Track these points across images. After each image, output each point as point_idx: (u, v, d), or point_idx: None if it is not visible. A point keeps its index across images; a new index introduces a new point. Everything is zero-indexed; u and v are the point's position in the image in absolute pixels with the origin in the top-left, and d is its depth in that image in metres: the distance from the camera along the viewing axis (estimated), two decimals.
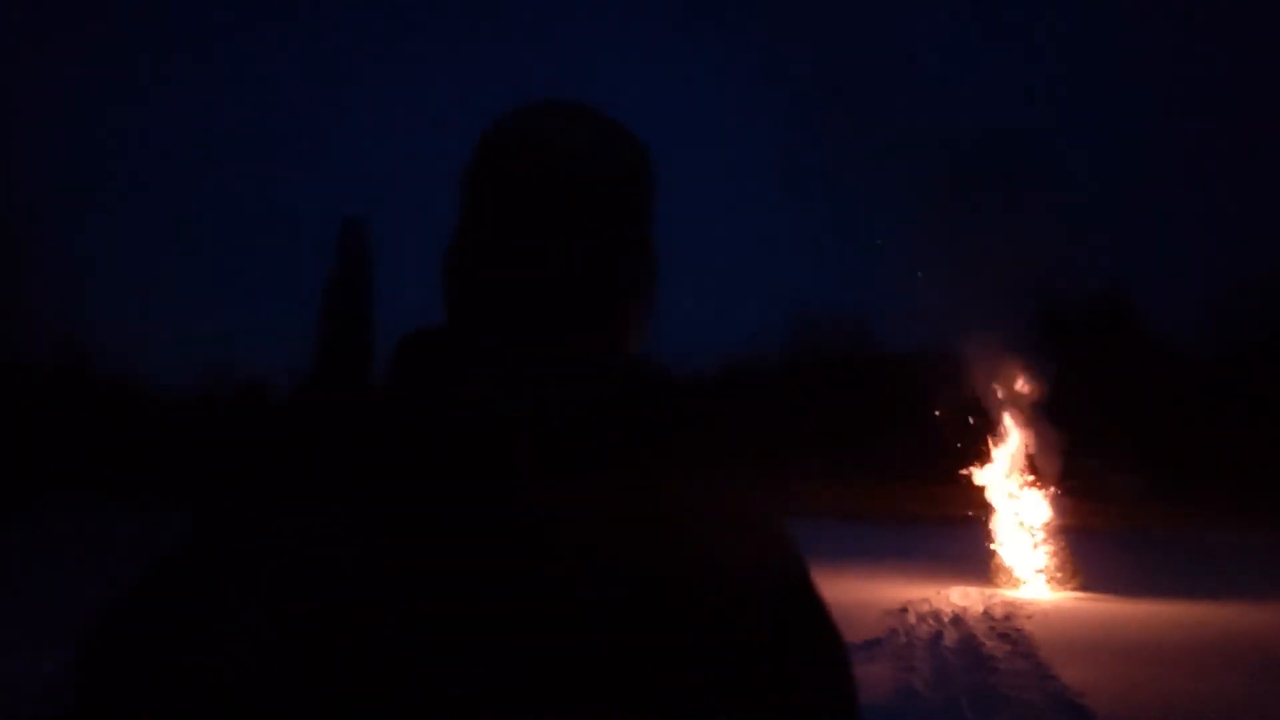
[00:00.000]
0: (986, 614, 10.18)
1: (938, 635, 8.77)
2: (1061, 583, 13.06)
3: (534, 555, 0.86)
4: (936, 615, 9.89)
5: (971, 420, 15.35)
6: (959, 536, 15.46)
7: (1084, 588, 12.73)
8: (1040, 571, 13.29)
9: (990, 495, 14.66)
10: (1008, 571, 13.36)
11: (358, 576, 0.83)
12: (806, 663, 0.93)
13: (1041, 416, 14.78)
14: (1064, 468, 14.71)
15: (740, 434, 1.01)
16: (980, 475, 14.95)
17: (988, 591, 12.24)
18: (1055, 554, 13.51)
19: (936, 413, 16.79)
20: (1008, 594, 12.25)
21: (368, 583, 0.83)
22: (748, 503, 0.96)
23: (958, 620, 9.67)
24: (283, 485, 0.85)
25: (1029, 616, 10.08)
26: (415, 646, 0.83)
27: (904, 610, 9.91)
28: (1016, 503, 14.37)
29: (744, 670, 0.88)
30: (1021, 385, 14.74)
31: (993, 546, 13.91)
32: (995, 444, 14.93)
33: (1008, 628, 9.21)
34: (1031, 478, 14.58)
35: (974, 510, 14.99)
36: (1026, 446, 14.68)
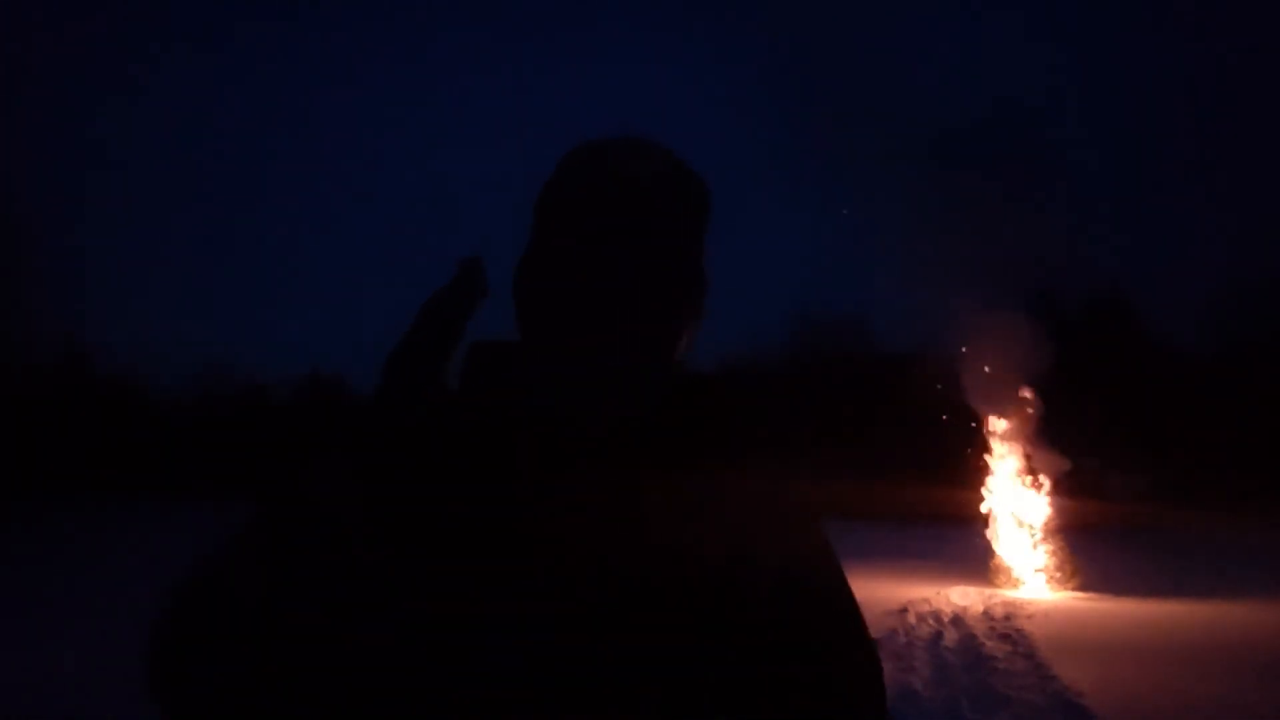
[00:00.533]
0: (986, 614, 10.18)
1: (938, 635, 8.77)
2: (1061, 583, 13.06)
3: (556, 555, 0.88)
4: (936, 615, 9.89)
5: (971, 420, 15.34)
6: (959, 536, 15.46)
7: (1084, 588, 12.72)
8: (1040, 571, 13.29)
9: (990, 495, 14.66)
10: (1008, 571, 13.35)
11: (367, 576, 0.85)
12: (837, 663, 0.93)
13: (1041, 416, 14.78)
14: (1064, 467, 14.70)
15: (779, 434, 1.03)
16: (980, 475, 14.95)
17: (988, 591, 12.24)
18: (1055, 554, 13.50)
19: (937, 413, 16.78)
20: (1008, 594, 12.25)
21: (376, 583, 0.86)
22: (785, 502, 0.98)
23: (958, 620, 9.67)
24: (327, 481, 0.91)
25: (1029, 616, 10.08)
26: (419, 646, 0.85)
27: (904, 610, 9.91)
28: (1016, 502, 14.36)
29: (769, 670, 0.89)
30: (1021, 385, 14.73)
31: (993, 546, 13.91)
32: (995, 444, 14.92)
33: (1008, 628, 9.21)
34: (1031, 477, 14.57)
35: (974, 510, 14.99)
36: (1026, 446, 14.67)
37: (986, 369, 14.78)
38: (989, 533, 14.16)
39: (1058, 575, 13.20)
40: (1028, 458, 14.62)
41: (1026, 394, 14.69)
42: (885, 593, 11.20)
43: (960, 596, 11.46)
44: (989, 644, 8.35)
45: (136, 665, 0.88)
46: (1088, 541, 14.55)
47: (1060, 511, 14.29)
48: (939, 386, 15.85)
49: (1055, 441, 14.67)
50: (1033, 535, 13.81)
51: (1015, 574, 13.26)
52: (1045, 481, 14.47)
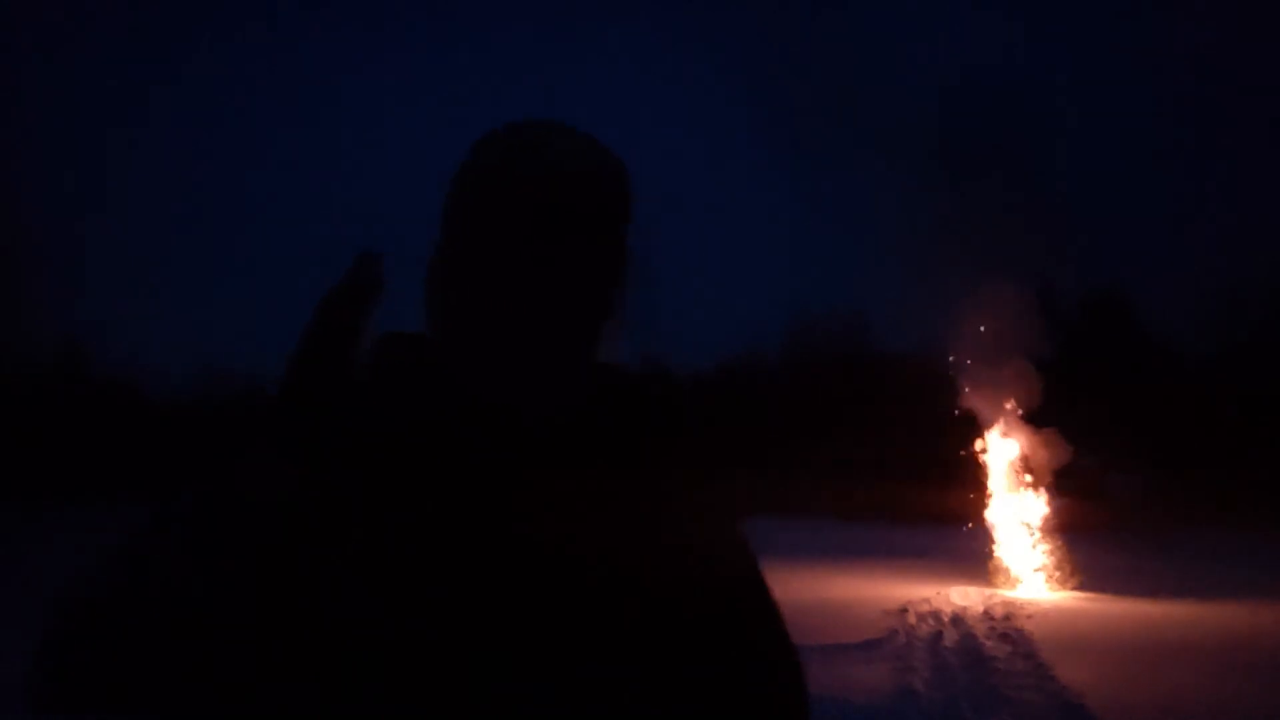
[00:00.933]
0: (986, 614, 10.17)
1: (938, 635, 8.76)
2: (1061, 583, 13.05)
3: (501, 551, 0.87)
4: (936, 615, 9.88)
5: (971, 420, 15.32)
6: (959, 536, 15.45)
7: (1084, 588, 12.71)
8: (1040, 571, 13.28)
9: (990, 495, 14.65)
10: (1007, 571, 13.35)
11: (322, 572, 0.84)
12: (754, 659, 0.94)
13: (1041, 416, 14.77)
14: (1064, 468, 14.69)
15: (711, 433, 1.03)
16: (980, 474, 14.94)
17: (988, 591, 12.23)
18: (1055, 554, 13.49)
19: (936, 411, 16.77)
20: (1008, 594, 12.24)
21: (332, 578, 0.84)
22: (704, 500, 0.98)
23: (958, 620, 9.66)
24: (259, 475, 0.87)
25: (1029, 616, 10.07)
26: (383, 646, 0.84)
27: (904, 610, 9.91)
28: (1016, 503, 14.35)
29: (685, 667, 0.89)
30: (1021, 384, 14.72)
31: (992, 546, 13.90)
32: (995, 443, 14.91)
33: (1008, 628, 9.21)
34: (1030, 478, 14.56)
35: (973, 510, 14.98)
36: (1025, 446, 14.66)
37: (985, 368, 14.77)
38: (989, 533, 14.16)
39: (1058, 575, 13.19)
40: (1026, 457, 14.61)
41: (1026, 390, 14.68)
42: (885, 593, 11.21)
43: (960, 596, 11.45)
44: (989, 644, 8.34)
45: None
46: (1088, 541, 14.54)
47: (1060, 511, 14.28)
48: (938, 386, 15.84)
49: (1055, 442, 14.65)
50: (1032, 535, 13.81)
51: (1015, 574, 13.26)
52: (1044, 481, 14.46)
